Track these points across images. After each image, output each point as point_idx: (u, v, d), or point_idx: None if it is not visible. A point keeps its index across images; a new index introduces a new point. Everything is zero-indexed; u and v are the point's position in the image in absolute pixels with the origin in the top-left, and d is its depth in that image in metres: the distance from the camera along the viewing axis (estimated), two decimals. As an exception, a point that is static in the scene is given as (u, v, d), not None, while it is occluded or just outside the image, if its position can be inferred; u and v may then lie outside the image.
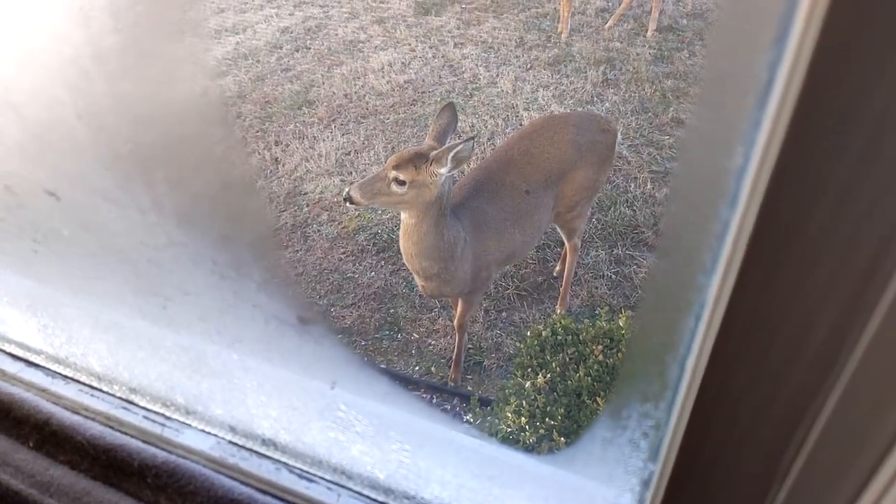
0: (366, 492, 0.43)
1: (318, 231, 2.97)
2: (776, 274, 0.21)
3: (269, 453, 0.46)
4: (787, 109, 0.19)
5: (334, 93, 3.93)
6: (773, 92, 0.19)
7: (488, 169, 2.02)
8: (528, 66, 3.99)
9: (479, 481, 0.39)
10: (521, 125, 3.34)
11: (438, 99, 3.78)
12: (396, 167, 1.57)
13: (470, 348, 2.36)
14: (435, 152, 1.64)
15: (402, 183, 1.56)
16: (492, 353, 2.30)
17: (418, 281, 1.92)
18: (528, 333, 1.51)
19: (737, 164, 0.21)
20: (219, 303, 0.41)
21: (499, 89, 3.81)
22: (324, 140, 3.52)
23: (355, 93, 3.88)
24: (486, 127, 3.41)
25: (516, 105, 3.66)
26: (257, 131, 3.66)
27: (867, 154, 0.19)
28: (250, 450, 0.46)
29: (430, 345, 2.37)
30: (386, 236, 2.90)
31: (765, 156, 0.20)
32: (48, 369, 0.53)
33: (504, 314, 2.48)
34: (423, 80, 3.99)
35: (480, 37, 4.39)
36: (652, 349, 0.27)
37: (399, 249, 1.89)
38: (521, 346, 1.50)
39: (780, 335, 0.22)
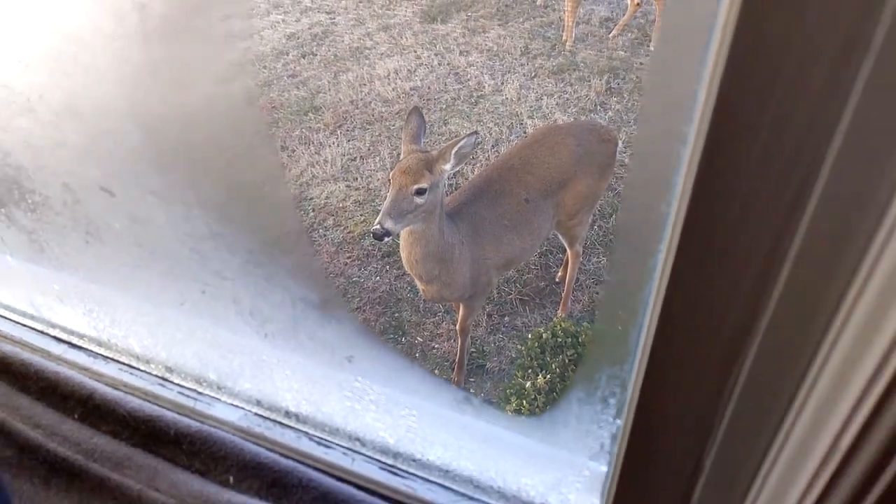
0: (377, 456, 0.49)
1: (324, 236, 3.04)
2: (703, 258, 0.28)
3: (291, 423, 0.53)
4: (705, 121, 0.25)
5: (340, 99, 4.01)
6: (697, 104, 0.26)
7: (489, 177, 2.08)
8: (533, 74, 4.07)
9: (476, 443, 0.46)
10: (525, 133, 3.41)
11: (444, 106, 3.86)
12: (415, 179, 1.59)
13: (473, 352, 2.42)
14: (439, 150, 1.69)
15: (422, 192, 1.59)
16: (494, 357, 2.36)
17: (420, 286, 1.98)
18: (529, 336, 1.57)
19: (673, 167, 0.28)
20: (252, 287, 0.48)
21: (503, 97, 3.89)
22: (329, 146, 3.60)
23: (361, 99, 3.97)
24: (490, 134, 3.49)
25: (520, 113, 3.73)
26: (264, 137, 3.73)
27: (764, 159, 0.25)
28: (274, 420, 0.53)
29: (433, 348, 2.43)
30: (391, 241, 2.97)
31: (690, 164, 0.26)
32: (91, 350, 0.60)
33: (507, 318, 2.53)
34: (429, 88, 4.07)
35: (486, 45, 4.48)
36: (617, 317, 0.33)
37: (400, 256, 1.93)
38: (522, 348, 1.56)
39: (707, 306, 0.29)
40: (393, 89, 3.96)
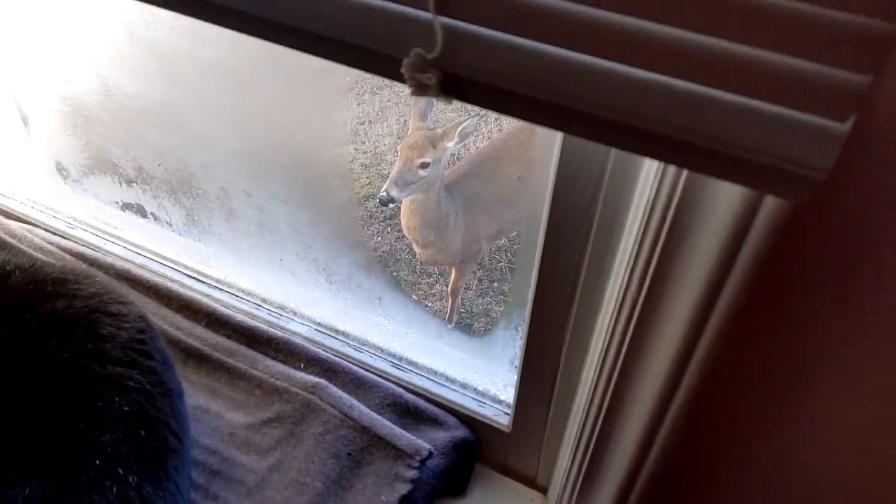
0: (389, 357, 0.88)
1: (331, 196, 3.39)
2: (551, 260, 0.65)
3: (338, 336, 0.91)
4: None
5: (353, 63, 4.26)
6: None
7: (486, 153, 2.41)
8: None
9: (448, 353, 0.84)
10: (527, 109, 3.70)
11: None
12: (420, 153, 1.92)
13: (462, 312, 2.81)
14: (444, 129, 2.02)
15: (426, 166, 1.91)
16: (481, 318, 2.75)
17: (417, 249, 2.34)
18: (510, 300, 1.94)
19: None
20: (327, 253, 0.85)
21: (509, 73, 4.14)
22: (340, 109, 3.90)
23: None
24: (495, 108, 3.79)
25: (524, 90, 4.00)
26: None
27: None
28: (328, 334, 0.92)
29: (427, 306, 2.82)
30: (394, 207, 3.32)
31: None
32: (213, 284, 0.98)
33: (496, 284, 2.91)
34: (439, 58, 4.31)
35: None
36: (523, 283, 0.70)
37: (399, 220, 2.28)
38: (502, 309, 1.93)
39: (556, 284, 0.66)
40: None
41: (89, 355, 0.77)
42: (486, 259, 3.04)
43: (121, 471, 0.72)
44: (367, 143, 3.78)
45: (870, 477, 0.62)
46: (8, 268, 0.85)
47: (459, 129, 1.99)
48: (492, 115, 3.82)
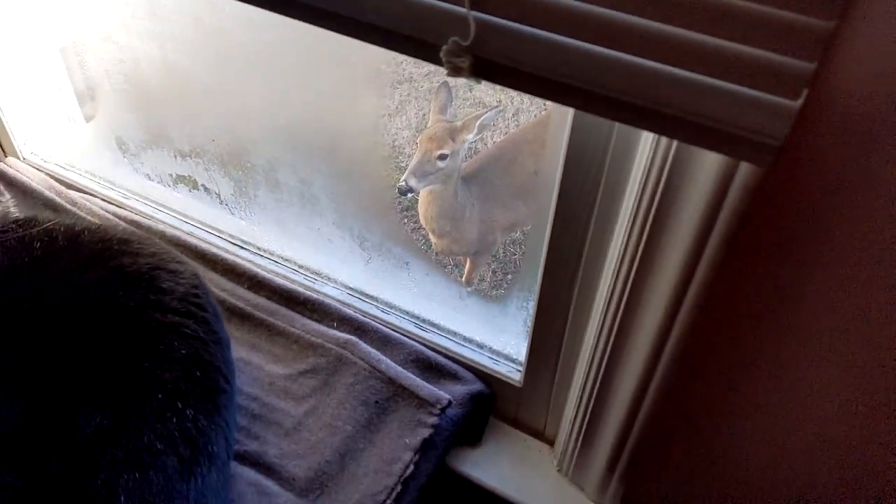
0: (412, 318, 0.99)
1: (352, 187, 3.50)
2: (562, 228, 0.75)
3: (368, 300, 1.02)
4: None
5: (371, 58, 4.38)
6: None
7: (503, 146, 2.50)
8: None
9: (465, 316, 0.94)
10: (545, 106, 3.80)
11: (470, 72, 4.22)
12: (439, 145, 2.01)
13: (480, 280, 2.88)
14: (464, 121, 2.11)
15: (444, 157, 2.01)
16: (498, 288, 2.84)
17: (433, 239, 2.44)
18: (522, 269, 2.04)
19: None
20: (362, 224, 0.96)
21: (528, 69, 4.23)
22: (361, 99, 4.01)
23: (393, 58, 4.34)
24: (512, 103, 3.88)
25: (542, 86, 4.09)
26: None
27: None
28: (358, 297, 1.03)
29: (448, 273, 2.91)
30: (412, 197, 3.42)
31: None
32: (254, 251, 1.10)
33: (510, 276, 3.01)
34: (458, 53, 4.41)
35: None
36: (533, 258, 0.80)
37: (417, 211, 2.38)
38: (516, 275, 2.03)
39: (565, 252, 0.76)
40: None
41: (152, 305, 0.88)
42: (501, 252, 3.14)
43: (179, 405, 0.83)
44: (385, 135, 3.90)
45: (862, 406, 0.70)
46: (77, 228, 0.96)
47: (479, 121, 2.09)
48: (510, 111, 3.91)
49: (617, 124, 0.65)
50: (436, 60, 0.57)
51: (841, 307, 0.63)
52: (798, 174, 0.57)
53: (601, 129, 0.66)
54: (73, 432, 0.78)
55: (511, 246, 3.19)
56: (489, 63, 0.55)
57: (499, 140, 2.76)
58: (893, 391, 0.66)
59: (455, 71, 0.57)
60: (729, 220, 0.58)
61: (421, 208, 2.35)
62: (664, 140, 0.59)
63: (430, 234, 2.47)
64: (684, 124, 0.50)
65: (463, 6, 0.54)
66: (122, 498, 0.76)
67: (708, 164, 0.56)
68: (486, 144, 3.31)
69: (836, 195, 0.56)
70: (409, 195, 2.20)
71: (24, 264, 0.92)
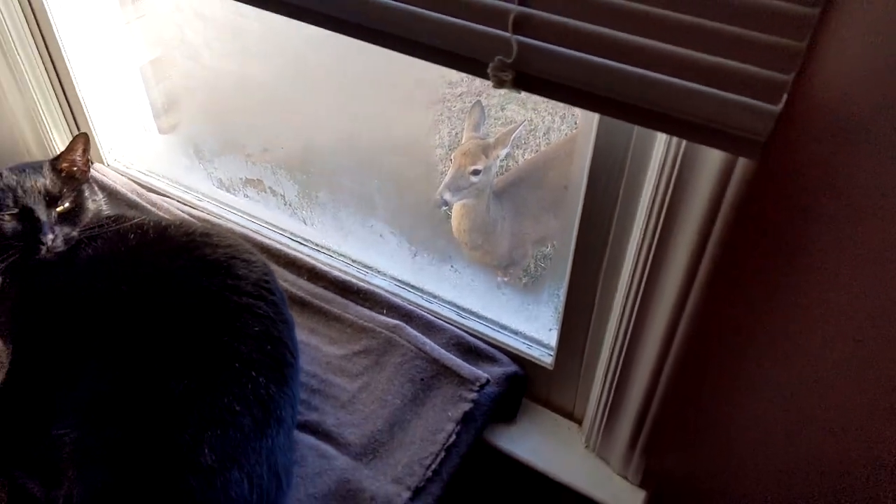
0: (453, 307, 1.11)
1: (388, 201, 3.65)
2: (589, 228, 0.87)
3: (413, 291, 1.15)
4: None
5: (405, 80, 4.56)
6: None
7: (535, 162, 2.62)
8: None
9: (501, 305, 1.07)
10: (576, 124, 3.91)
11: (503, 92, 4.37)
12: (473, 161, 2.14)
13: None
14: (497, 138, 2.23)
15: (477, 173, 2.13)
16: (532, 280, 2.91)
17: (465, 251, 2.56)
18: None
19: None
20: (411, 229, 1.10)
21: (558, 89, 4.35)
22: (396, 119, 4.19)
23: (426, 79, 4.52)
24: (543, 122, 4.01)
25: (572, 106, 4.20)
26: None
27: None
28: (405, 288, 1.16)
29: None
30: (446, 211, 3.55)
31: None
32: (312, 247, 1.24)
33: (543, 270, 3.10)
34: (491, 74, 4.56)
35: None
36: (560, 257, 0.92)
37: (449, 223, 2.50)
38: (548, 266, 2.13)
39: (591, 248, 0.88)
40: (458, 72, 4.50)
41: (229, 289, 1.03)
42: (532, 266, 3.25)
43: (253, 373, 0.96)
44: (418, 153, 4.07)
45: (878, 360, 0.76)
46: (163, 224, 1.12)
47: (512, 136, 2.22)
48: (541, 130, 4.04)
49: (636, 129, 0.77)
50: (483, 74, 0.71)
51: (846, 284, 0.73)
52: (792, 168, 0.68)
53: (622, 134, 0.79)
54: (165, 393, 0.92)
55: (541, 261, 3.30)
56: (528, 77, 0.68)
57: (531, 156, 2.89)
58: None
59: (500, 83, 0.71)
60: (731, 206, 0.70)
61: (454, 221, 2.48)
62: (674, 140, 0.71)
63: (462, 245, 2.60)
64: (689, 125, 0.62)
65: (507, 31, 0.67)
66: (206, 450, 0.89)
67: (711, 160, 0.68)
68: (516, 162, 3.45)
69: (834, 183, 0.68)
70: (444, 208, 2.34)
71: (120, 252, 1.07)
